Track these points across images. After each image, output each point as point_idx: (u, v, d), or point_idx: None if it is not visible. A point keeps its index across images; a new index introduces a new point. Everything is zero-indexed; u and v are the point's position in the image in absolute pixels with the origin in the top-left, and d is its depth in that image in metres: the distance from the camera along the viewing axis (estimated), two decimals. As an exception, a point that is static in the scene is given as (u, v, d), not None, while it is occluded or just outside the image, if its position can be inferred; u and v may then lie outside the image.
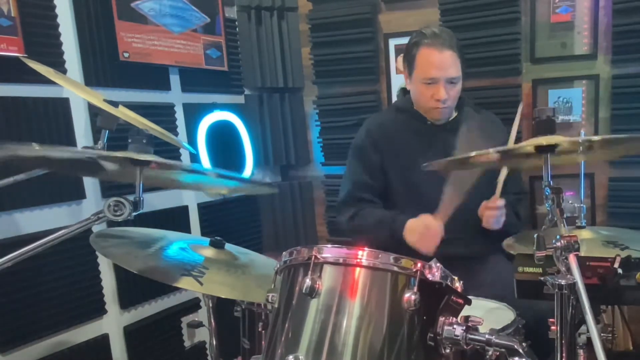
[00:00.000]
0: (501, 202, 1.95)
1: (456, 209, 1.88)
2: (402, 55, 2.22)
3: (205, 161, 2.61)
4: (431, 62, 1.96)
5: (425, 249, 1.86)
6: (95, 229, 1.67)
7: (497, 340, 1.04)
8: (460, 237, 2.03)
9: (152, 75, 2.36)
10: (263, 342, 1.63)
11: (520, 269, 1.51)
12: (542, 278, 1.25)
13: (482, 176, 2.05)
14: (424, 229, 1.89)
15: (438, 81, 1.95)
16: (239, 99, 2.89)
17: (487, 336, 1.05)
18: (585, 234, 1.77)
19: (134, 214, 1.22)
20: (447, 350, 1.06)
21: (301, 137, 3.05)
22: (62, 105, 1.99)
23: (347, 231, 2.22)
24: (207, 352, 1.99)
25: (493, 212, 1.95)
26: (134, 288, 2.25)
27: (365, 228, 2.10)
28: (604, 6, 2.38)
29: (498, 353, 1.06)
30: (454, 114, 2.13)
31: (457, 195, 1.84)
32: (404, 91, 2.24)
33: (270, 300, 1.15)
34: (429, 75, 1.96)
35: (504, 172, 1.95)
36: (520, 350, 1.02)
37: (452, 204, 1.85)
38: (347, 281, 1.06)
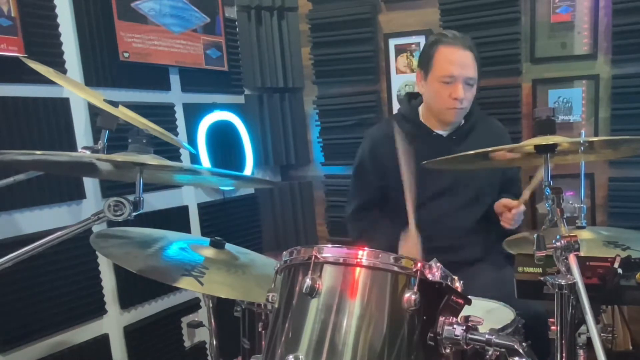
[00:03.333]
0: (523, 207, 1.94)
1: (435, 217, 1.90)
2: (402, 55, 2.22)
3: (205, 161, 2.62)
4: (451, 60, 1.94)
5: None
6: (95, 229, 1.67)
7: (497, 340, 1.04)
8: (445, 246, 2.02)
9: (152, 75, 2.36)
10: (263, 342, 1.63)
11: (520, 269, 1.51)
12: (542, 278, 1.25)
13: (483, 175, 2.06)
14: (404, 243, 1.87)
15: (457, 80, 1.93)
16: (239, 99, 2.89)
17: (487, 336, 1.05)
18: (585, 234, 1.77)
19: (134, 214, 1.22)
20: (447, 350, 1.06)
21: (301, 137, 3.05)
22: (62, 105, 1.99)
23: (360, 239, 2.23)
24: (207, 352, 1.99)
25: (513, 216, 1.93)
26: (134, 288, 2.25)
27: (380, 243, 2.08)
28: (604, 6, 2.38)
29: (498, 353, 1.06)
30: (461, 122, 2.11)
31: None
32: (409, 97, 2.22)
33: (270, 300, 1.15)
34: (449, 72, 1.93)
35: (537, 177, 1.88)
36: (520, 350, 1.02)
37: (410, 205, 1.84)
38: (347, 281, 1.06)
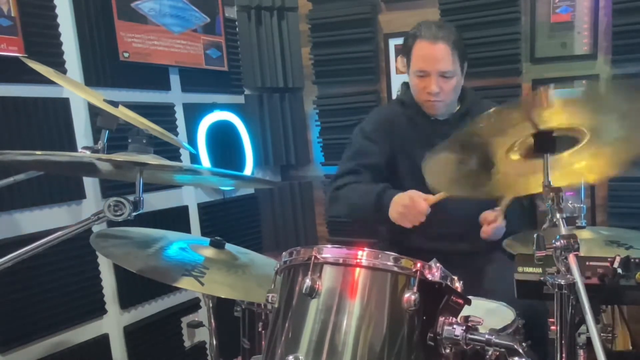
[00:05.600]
0: (501, 222, 1.92)
1: (452, 203, 1.87)
2: (402, 55, 2.21)
3: (205, 161, 2.62)
4: (424, 55, 1.95)
5: (404, 225, 1.86)
6: (95, 229, 1.67)
7: (497, 340, 1.04)
8: (460, 233, 2.03)
9: (152, 75, 2.36)
10: (263, 342, 1.63)
11: (520, 269, 1.51)
12: (542, 278, 1.25)
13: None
14: (409, 203, 1.86)
15: (429, 74, 1.95)
16: (239, 99, 2.89)
17: (487, 336, 1.05)
18: (585, 234, 1.76)
19: (134, 214, 1.22)
20: (447, 350, 1.06)
21: (301, 137, 3.05)
22: (62, 105, 1.99)
23: (328, 198, 2.17)
24: (207, 352, 1.99)
25: (491, 227, 1.91)
26: (134, 288, 2.25)
27: (349, 199, 2.06)
28: (604, 6, 2.38)
29: (498, 353, 1.07)
30: (457, 107, 2.12)
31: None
32: (407, 85, 2.24)
33: (270, 300, 1.15)
34: (420, 67, 1.96)
35: (506, 200, 1.89)
36: (520, 350, 1.02)
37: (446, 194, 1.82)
38: (347, 281, 1.06)
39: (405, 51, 2.05)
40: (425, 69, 1.95)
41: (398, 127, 2.12)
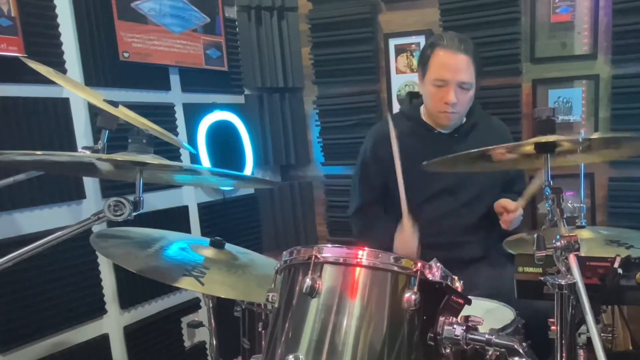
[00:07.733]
0: (520, 212, 1.95)
1: (443, 213, 1.89)
2: (402, 55, 2.21)
3: (205, 161, 2.62)
4: (444, 63, 1.94)
5: (409, 254, 1.86)
6: (95, 229, 1.67)
7: (497, 340, 1.04)
8: (454, 242, 2.03)
9: (152, 75, 2.36)
10: (263, 342, 1.63)
11: (520, 269, 1.51)
12: (542, 278, 1.25)
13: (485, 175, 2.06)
14: (400, 238, 1.90)
15: (449, 84, 1.93)
16: (239, 99, 2.89)
17: (487, 336, 1.05)
18: (585, 234, 1.77)
19: (134, 214, 1.22)
20: (447, 350, 1.06)
21: (301, 137, 3.05)
22: (62, 105, 1.99)
23: (357, 238, 2.28)
24: (207, 352, 1.99)
25: (511, 219, 1.94)
26: (134, 288, 2.25)
27: (378, 241, 2.08)
28: (604, 6, 2.38)
29: (498, 353, 1.06)
30: (462, 120, 2.12)
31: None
32: (411, 96, 2.23)
33: (270, 300, 1.15)
34: (440, 76, 1.94)
35: (536, 183, 1.90)
36: (520, 350, 1.02)
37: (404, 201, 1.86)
38: (347, 281, 1.07)
39: (422, 60, 2.03)
40: (445, 77, 1.93)
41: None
